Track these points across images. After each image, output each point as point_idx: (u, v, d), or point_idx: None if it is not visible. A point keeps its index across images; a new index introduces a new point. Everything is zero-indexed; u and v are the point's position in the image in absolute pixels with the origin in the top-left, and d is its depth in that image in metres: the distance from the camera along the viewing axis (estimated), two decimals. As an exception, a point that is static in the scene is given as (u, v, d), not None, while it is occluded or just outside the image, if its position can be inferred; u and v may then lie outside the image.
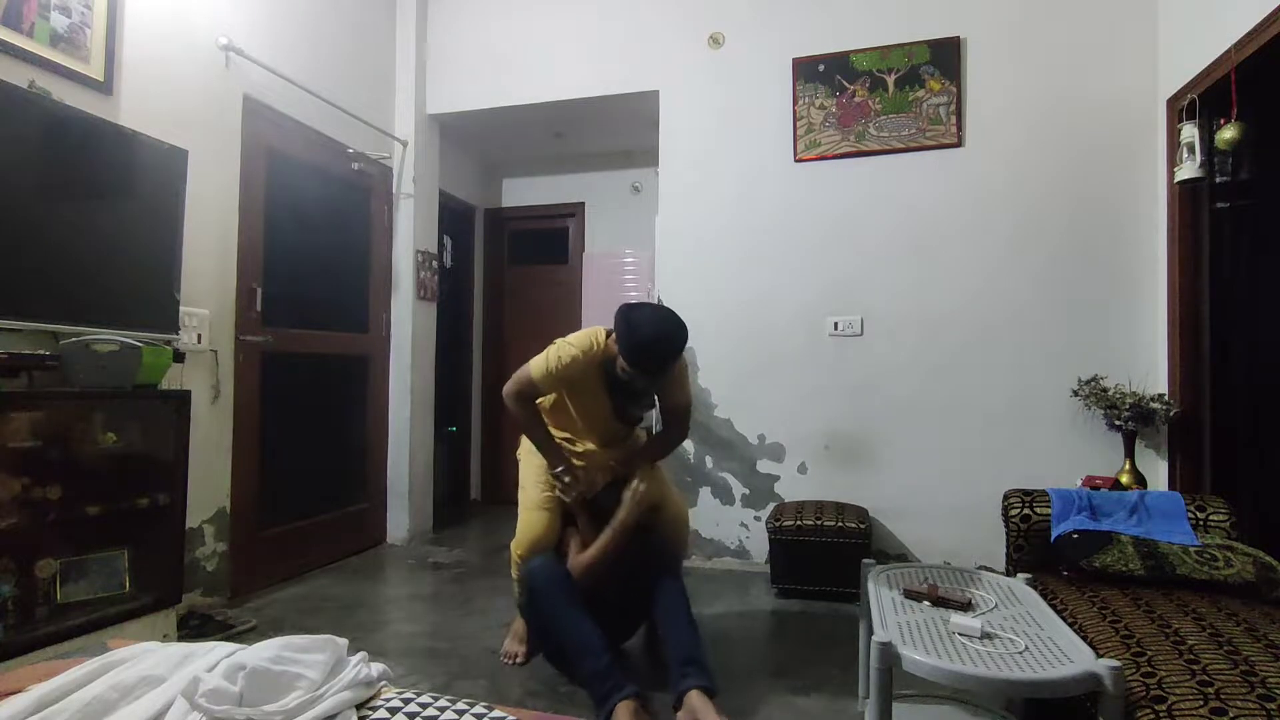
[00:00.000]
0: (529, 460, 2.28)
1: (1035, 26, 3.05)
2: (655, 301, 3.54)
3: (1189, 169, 2.49)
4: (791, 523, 2.91)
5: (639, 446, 2.35)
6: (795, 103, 3.33)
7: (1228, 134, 2.27)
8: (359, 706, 1.02)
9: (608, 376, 2.15)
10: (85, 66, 2.27)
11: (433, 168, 4.05)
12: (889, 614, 1.56)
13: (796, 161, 3.34)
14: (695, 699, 1.76)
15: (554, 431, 2.29)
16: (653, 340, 1.98)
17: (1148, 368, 2.85)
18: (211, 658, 1.06)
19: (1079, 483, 2.71)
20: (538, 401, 2.21)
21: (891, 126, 3.20)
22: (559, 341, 2.16)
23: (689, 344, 3.39)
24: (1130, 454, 2.74)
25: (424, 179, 3.94)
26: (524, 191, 5.05)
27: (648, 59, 3.58)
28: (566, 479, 2.13)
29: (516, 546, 2.19)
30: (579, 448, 2.26)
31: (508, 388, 2.18)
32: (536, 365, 2.13)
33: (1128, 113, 2.92)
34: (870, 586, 1.75)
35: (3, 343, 1.94)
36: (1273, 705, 1.15)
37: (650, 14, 3.58)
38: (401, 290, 3.83)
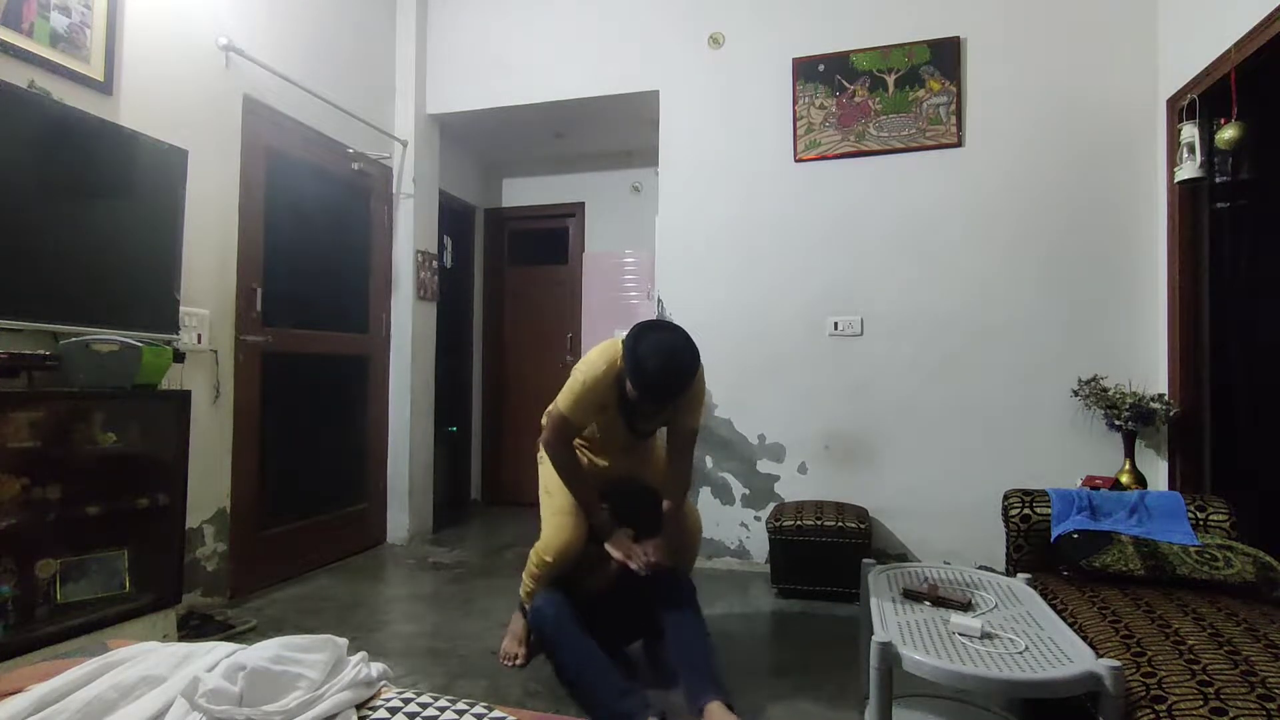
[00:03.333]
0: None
1: (1035, 27, 3.05)
2: (657, 303, 3.54)
3: (1189, 169, 2.49)
4: (791, 523, 2.91)
5: (669, 515, 2.15)
6: (795, 103, 3.33)
7: (1228, 134, 2.28)
8: (359, 706, 1.02)
9: (620, 392, 2.05)
10: (85, 66, 2.27)
11: (433, 168, 4.05)
12: (889, 614, 1.57)
13: (796, 161, 3.33)
14: (718, 711, 1.74)
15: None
16: (657, 375, 1.89)
17: (1148, 368, 2.85)
18: (211, 658, 1.06)
19: (1079, 483, 2.71)
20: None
21: (891, 126, 3.20)
22: (579, 364, 2.08)
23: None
24: (1130, 454, 2.74)
25: (424, 179, 3.94)
26: (524, 191, 5.05)
27: (648, 59, 3.57)
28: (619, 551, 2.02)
29: (545, 552, 2.08)
30: (599, 460, 2.24)
31: (544, 435, 2.09)
32: (564, 400, 2.05)
33: (1128, 113, 2.92)
34: (870, 586, 1.75)
35: (3, 343, 1.94)
36: (1273, 705, 1.15)
37: (650, 14, 3.58)
38: (401, 290, 3.83)
